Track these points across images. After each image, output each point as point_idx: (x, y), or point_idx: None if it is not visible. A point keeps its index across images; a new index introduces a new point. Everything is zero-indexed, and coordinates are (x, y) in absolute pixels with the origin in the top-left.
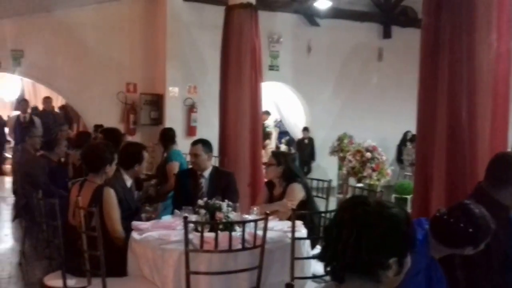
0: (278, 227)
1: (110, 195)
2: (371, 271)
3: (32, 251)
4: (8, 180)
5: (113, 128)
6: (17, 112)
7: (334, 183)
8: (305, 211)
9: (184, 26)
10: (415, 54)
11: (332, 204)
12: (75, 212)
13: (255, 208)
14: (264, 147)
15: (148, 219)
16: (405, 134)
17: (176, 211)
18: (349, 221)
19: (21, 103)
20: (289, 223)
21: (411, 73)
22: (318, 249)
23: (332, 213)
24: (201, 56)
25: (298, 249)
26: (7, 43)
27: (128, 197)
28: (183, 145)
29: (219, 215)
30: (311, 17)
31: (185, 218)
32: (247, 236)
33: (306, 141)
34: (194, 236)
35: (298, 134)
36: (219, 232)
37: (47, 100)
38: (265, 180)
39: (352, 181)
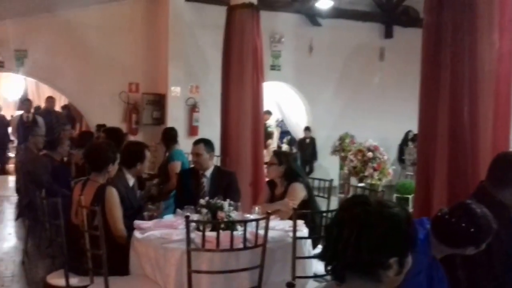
0: (279, 227)
1: (113, 194)
2: (372, 270)
3: (35, 250)
4: (11, 179)
5: (116, 128)
6: (21, 112)
7: (336, 183)
8: (306, 211)
9: (186, 26)
10: (416, 54)
11: (334, 204)
12: (77, 211)
13: (256, 208)
14: (265, 146)
15: (150, 218)
16: (407, 133)
17: (178, 210)
18: (349, 221)
19: (25, 102)
20: (290, 222)
21: (412, 73)
22: (319, 248)
23: (334, 213)
24: (203, 56)
25: (299, 249)
26: (10, 43)
27: (131, 196)
28: (185, 144)
29: (220, 214)
30: (312, 17)
31: (187, 217)
32: (248, 236)
33: (307, 140)
34: (196, 235)
35: (299, 134)
36: (220, 231)
37: (50, 99)
38: (267, 179)
39: (353, 180)
